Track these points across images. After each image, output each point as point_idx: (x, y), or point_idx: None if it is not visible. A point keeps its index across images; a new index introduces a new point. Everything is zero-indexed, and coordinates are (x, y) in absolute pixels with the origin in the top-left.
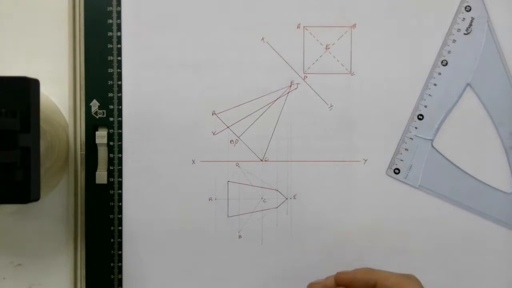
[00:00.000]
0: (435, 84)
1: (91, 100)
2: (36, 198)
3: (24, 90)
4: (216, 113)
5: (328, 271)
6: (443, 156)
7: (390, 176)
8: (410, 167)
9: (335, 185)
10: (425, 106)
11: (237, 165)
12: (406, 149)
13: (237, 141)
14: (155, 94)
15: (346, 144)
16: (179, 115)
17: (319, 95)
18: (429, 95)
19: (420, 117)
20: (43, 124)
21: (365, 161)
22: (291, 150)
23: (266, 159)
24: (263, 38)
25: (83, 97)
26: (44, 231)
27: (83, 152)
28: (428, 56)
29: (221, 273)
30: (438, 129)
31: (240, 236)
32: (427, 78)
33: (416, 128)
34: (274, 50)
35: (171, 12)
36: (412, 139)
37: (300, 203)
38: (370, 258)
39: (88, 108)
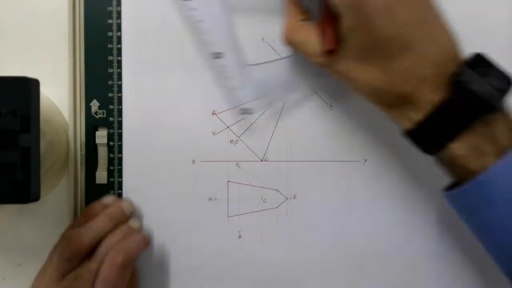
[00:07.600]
0: None
1: (91, 100)
2: (36, 198)
3: (24, 90)
4: (216, 113)
5: (328, 271)
6: None
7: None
8: None
9: (335, 185)
10: None
11: (237, 165)
12: None
13: (237, 141)
14: (155, 94)
15: (346, 144)
16: (179, 115)
17: (319, 95)
18: None
19: None
20: (43, 124)
21: (365, 161)
22: (291, 150)
23: (266, 159)
24: (263, 38)
25: (83, 97)
26: (44, 231)
27: (83, 152)
28: None
29: (221, 273)
30: None
31: (240, 236)
32: None
33: None
34: (274, 50)
35: (171, 12)
36: None
37: (300, 203)
38: (370, 257)
39: (88, 108)
